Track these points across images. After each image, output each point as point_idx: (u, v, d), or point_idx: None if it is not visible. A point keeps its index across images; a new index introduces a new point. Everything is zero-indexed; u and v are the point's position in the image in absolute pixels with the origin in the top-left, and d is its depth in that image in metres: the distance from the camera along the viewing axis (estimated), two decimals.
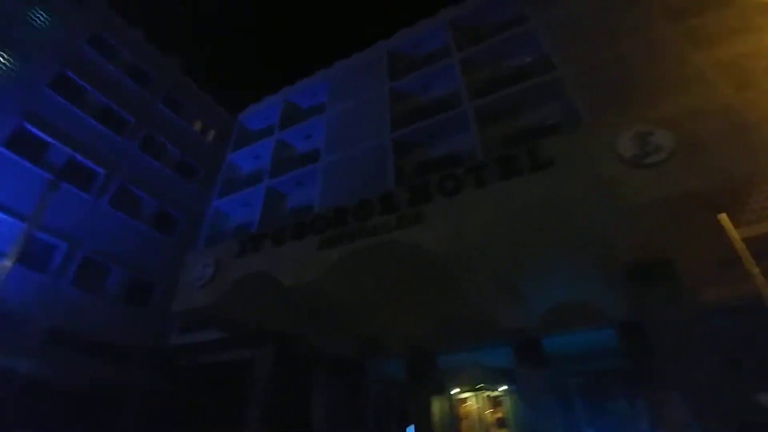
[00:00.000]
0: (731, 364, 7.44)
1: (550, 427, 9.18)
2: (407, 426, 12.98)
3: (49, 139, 14.53)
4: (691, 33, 12.13)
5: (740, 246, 5.94)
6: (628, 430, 10.93)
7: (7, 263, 8.69)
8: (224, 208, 18.91)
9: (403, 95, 17.03)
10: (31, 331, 12.53)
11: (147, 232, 16.90)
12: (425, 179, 8.54)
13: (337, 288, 9.51)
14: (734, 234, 6.06)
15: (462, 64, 15.69)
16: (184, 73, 20.97)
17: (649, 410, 9.29)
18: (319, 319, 11.10)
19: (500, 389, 13.80)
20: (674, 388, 7.60)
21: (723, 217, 6.23)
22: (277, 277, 9.42)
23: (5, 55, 14.03)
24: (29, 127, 14.07)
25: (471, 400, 14.08)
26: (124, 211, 16.16)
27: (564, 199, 6.96)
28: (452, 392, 13.87)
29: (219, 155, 20.86)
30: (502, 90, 14.05)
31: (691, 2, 12.81)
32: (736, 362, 7.87)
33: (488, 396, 13.95)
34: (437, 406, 12.13)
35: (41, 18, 15.56)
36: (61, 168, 14.64)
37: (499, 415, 13.63)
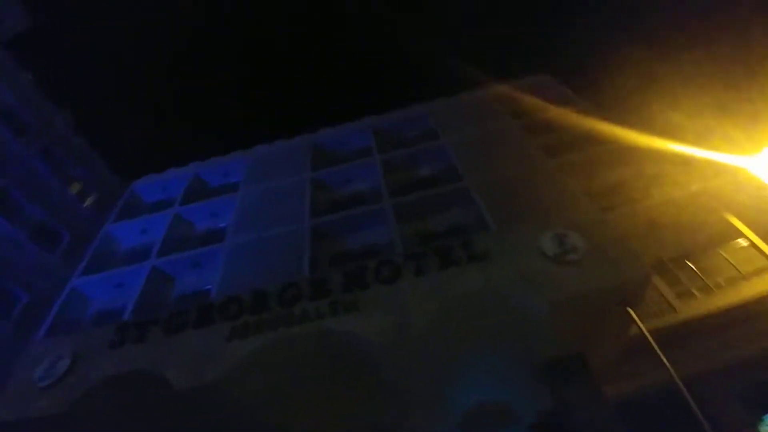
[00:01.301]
0: None
1: None
2: None
3: None
4: (564, 166, 15.18)
5: (649, 337, 6.65)
6: None
7: None
8: (85, 290, 15.22)
9: (325, 186, 17.22)
10: None
11: None
12: (361, 265, 8.17)
13: (245, 390, 7.82)
14: (642, 327, 6.83)
15: (383, 165, 16.82)
16: (76, 129, 18.39)
17: None
18: None
19: None
20: None
21: (631, 312, 7.04)
22: (165, 376, 7.47)
23: None
24: None
25: None
26: None
27: (500, 290, 7.20)
28: None
29: (96, 225, 17.59)
30: (419, 191, 15.17)
31: (561, 142, 16.36)
32: None
33: None
34: None
35: None
36: None
37: None
